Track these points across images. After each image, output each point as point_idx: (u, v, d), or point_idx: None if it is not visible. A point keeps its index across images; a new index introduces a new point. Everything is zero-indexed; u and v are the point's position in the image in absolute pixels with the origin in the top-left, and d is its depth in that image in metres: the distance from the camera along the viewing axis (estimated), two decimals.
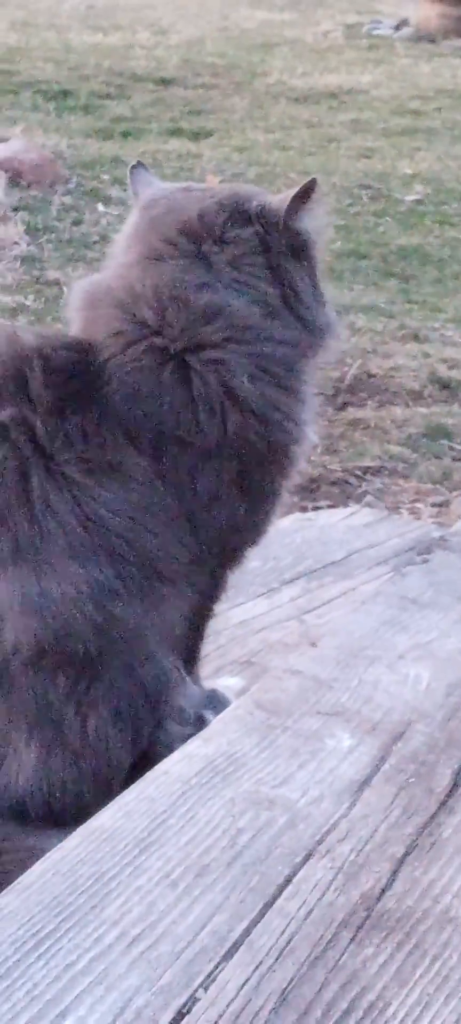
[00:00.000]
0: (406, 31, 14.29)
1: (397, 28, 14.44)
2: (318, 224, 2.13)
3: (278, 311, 2.07)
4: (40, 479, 1.93)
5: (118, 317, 2.05)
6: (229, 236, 2.07)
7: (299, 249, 2.11)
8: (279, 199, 2.11)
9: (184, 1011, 1.31)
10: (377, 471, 4.81)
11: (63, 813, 1.93)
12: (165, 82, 11.49)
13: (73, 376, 2.00)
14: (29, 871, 1.52)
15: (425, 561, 2.42)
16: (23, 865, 1.56)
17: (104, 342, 2.03)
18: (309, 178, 2.12)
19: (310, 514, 3.35)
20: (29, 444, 1.94)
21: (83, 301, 2.13)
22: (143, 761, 1.92)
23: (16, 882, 1.49)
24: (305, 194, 2.10)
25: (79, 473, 1.94)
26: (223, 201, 2.10)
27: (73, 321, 2.12)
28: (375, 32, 14.38)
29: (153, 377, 1.99)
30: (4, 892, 1.48)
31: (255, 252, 2.07)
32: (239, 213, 2.09)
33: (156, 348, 2.01)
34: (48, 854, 1.55)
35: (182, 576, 2.03)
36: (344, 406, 5.26)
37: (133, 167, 2.27)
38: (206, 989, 1.35)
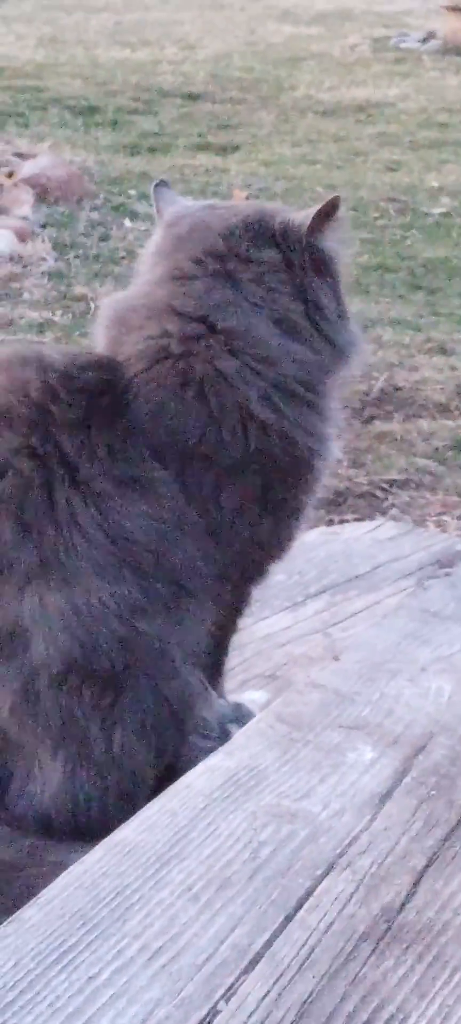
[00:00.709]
0: (433, 44, 14.30)
1: (424, 41, 14.45)
2: (341, 241, 2.14)
3: (301, 328, 2.08)
4: (66, 494, 1.94)
5: (144, 336, 2.06)
6: (253, 255, 2.08)
7: (322, 266, 2.11)
8: (302, 216, 2.11)
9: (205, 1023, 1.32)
10: (404, 484, 4.81)
11: (88, 827, 1.93)
12: (192, 97, 11.52)
13: (99, 394, 2.01)
14: (52, 884, 1.53)
15: (447, 574, 2.43)
16: (48, 879, 1.57)
17: (130, 360, 2.04)
18: (333, 195, 2.12)
19: (335, 528, 3.36)
20: (56, 460, 1.95)
21: (109, 319, 2.14)
22: (168, 775, 1.93)
23: (39, 895, 1.50)
24: (328, 211, 2.10)
25: (105, 488, 1.95)
26: (247, 220, 2.11)
27: (100, 338, 2.14)
28: (402, 45, 14.39)
29: (177, 396, 2.01)
30: (27, 905, 1.49)
31: (278, 270, 2.08)
32: (262, 231, 2.10)
33: (179, 368, 2.02)
34: (70, 868, 1.56)
35: (207, 591, 2.04)
36: (370, 419, 5.27)
37: (156, 185, 2.29)
38: (227, 1001, 1.35)
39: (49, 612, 1.91)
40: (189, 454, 2.00)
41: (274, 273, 2.08)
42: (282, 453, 2.04)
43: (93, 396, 2.01)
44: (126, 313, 2.12)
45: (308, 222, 2.10)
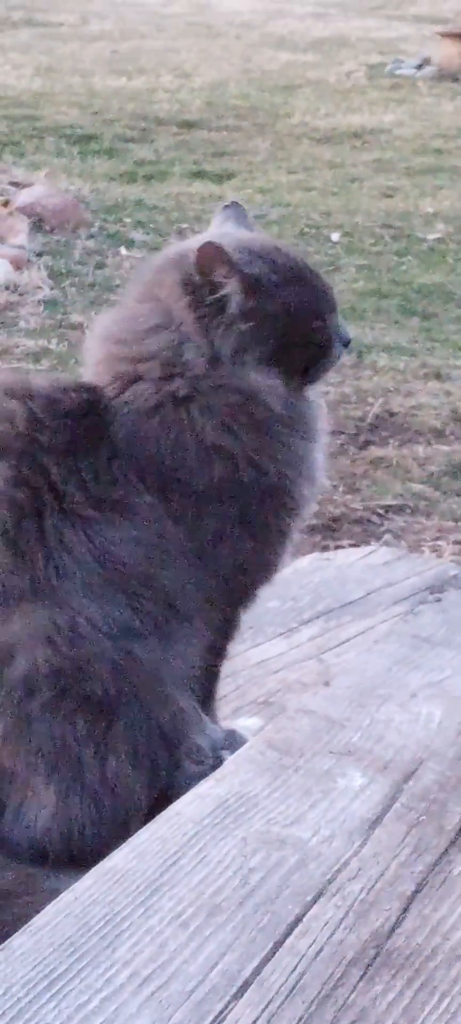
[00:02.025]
0: (428, 70, 14.34)
1: (419, 67, 14.49)
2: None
3: (224, 361, 2.06)
4: (55, 520, 1.95)
5: (116, 358, 2.08)
6: (191, 286, 2.06)
7: (222, 305, 2.08)
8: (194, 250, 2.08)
9: None
10: (399, 509, 4.82)
11: (81, 854, 1.93)
12: (188, 125, 11.56)
13: (82, 416, 2.03)
14: (42, 912, 1.53)
15: (438, 600, 2.43)
16: (42, 906, 1.57)
17: (107, 383, 2.06)
18: (207, 242, 2.06)
19: (328, 554, 3.36)
20: (44, 485, 1.97)
21: (93, 340, 2.16)
22: (161, 801, 1.93)
23: (29, 923, 1.51)
24: (204, 257, 2.05)
25: (92, 512, 1.97)
26: (200, 246, 2.08)
27: (86, 361, 2.16)
28: (397, 72, 14.43)
29: (148, 421, 2.02)
30: (17, 934, 1.50)
31: (195, 304, 2.06)
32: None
33: (147, 394, 2.04)
34: (61, 895, 1.56)
35: (197, 613, 2.05)
36: (366, 445, 5.28)
37: (226, 206, 2.29)
38: None
39: (40, 636, 1.92)
40: (167, 478, 2.01)
41: (201, 307, 2.06)
42: (252, 480, 2.04)
43: (76, 418, 2.02)
44: (105, 334, 2.14)
45: (194, 259, 2.08)
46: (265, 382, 2.05)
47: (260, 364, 2.05)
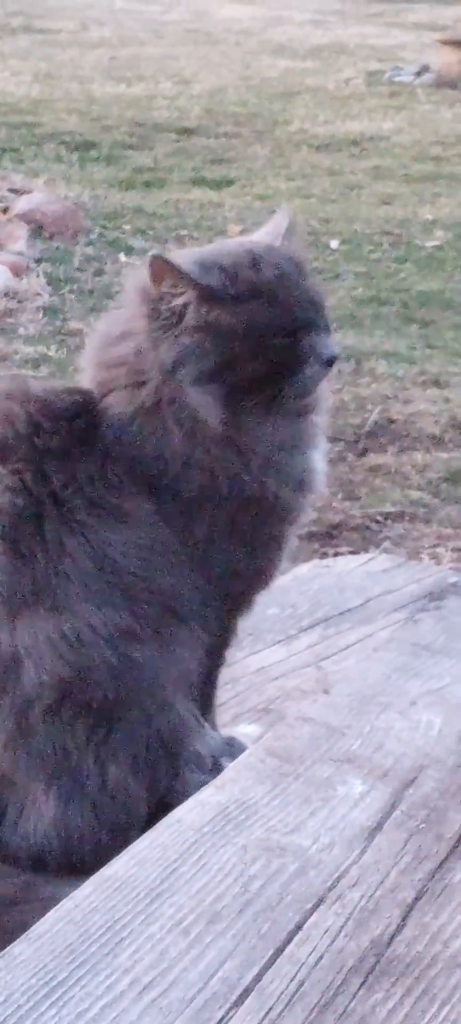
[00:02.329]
0: (427, 77, 14.36)
1: (418, 75, 14.50)
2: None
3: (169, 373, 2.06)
4: (54, 524, 1.96)
5: (97, 363, 2.10)
6: (148, 297, 2.06)
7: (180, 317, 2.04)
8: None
9: None
10: (398, 516, 4.83)
11: (81, 862, 1.93)
12: (187, 132, 11.57)
13: (75, 417, 2.04)
14: (42, 920, 1.53)
15: (438, 607, 2.43)
16: (41, 914, 1.57)
17: (93, 387, 2.07)
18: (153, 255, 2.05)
19: (327, 561, 3.36)
20: (44, 490, 1.97)
21: (88, 344, 2.17)
22: (161, 809, 1.93)
23: (29, 931, 1.51)
24: (154, 270, 2.03)
25: (89, 516, 1.97)
26: (149, 259, 2.08)
27: (82, 366, 2.16)
28: (396, 79, 14.44)
29: (129, 426, 2.03)
30: (17, 941, 1.50)
31: (152, 315, 2.06)
32: None
33: (129, 400, 2.04)
34: (61, 903, 1.56)
35: (195, 617, 2.05)
36: (364, 452, 5.28)
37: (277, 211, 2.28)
38: None
39: (41, 640, 1.92)
40: (155, 483, 2.01)
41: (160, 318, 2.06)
42: (230, 489, 2.03)
43: (69, 420, 2.03)
44: (96, 339, 2.15)
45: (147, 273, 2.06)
46: (197, 398, 2.00)
47: (199, 379, 2.00)
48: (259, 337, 2.01)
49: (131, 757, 1.97)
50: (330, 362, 2.07)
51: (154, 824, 1.76)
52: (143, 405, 2.02)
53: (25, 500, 1.96)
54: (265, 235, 2.17)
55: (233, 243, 2.18)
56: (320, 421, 2.17)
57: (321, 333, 2.06)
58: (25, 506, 1.96)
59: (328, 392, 2.20)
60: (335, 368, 2.12)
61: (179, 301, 2.00)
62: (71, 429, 2.02)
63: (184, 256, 2.10)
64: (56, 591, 1.94)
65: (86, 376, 2.11)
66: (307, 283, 2.09)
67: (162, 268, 2.01)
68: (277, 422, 2.03)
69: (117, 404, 2.03)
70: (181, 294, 2.00)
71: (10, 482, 1.97)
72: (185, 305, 2.00)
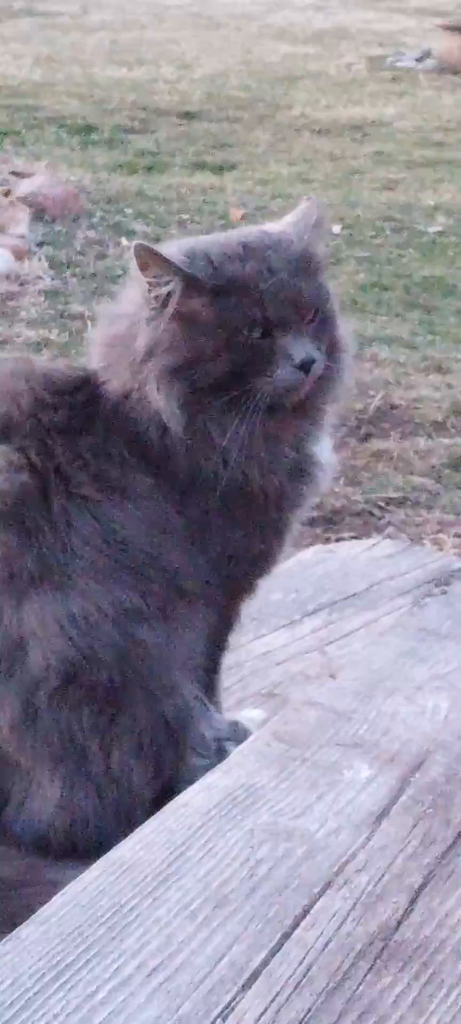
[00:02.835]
0: (429, 63, 14.34)
1: (420, 60, 14.48)
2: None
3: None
4: (61, 500, 1.96)
5: (101, 340, 2.12)
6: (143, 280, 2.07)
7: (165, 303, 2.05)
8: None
9: None
10: (400, 502, 4.82)
11: (85, 846, 1.94)
12: (189, 116, 11.55)
13: (76, 390, 2.06)
14: (49, 903, 1.53)
15: (443, 592, 2.43)
16: (46, 897, 1.57)
17: (99, 364, 2.08)
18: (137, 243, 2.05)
19: (331, 546, 3.36)
20: (50, 467, 1.98)
21: (97, 326, 2.18)
22: (166, 793, 1.93)
23: (36, 914, 1.51)
24: (137, 258, 2.03)
25: (94, 492, 1.97)
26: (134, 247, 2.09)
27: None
28: (398, 64, 14.42)
29: (125, 402, 2.03)
30: (25, 924, 1.50)
31: (144, 299, 2.05)
32: None
33: (118, 374, 2.05)
34: (68, 886, 1.56)
35: (200, 596, 2.05)
36: (367, 437, 5.28)
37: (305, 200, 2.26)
38: (224, 1019, 1.36)
39: (48, 621, 1.92)
40: (152, 459, 2.01)
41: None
42: (218, 473, 2.03)
43: (71, 393, 2.05)
44: (101, 322, 2.18)
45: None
46: (161, 395, 2.00)
47: (164, 372, 2.00)
48: (231, 332, 1.99)
49: (136, 741, 1.97)
50: (304, 366, 2.02)
51: (159, 809, 1.76)
52: (128, 385, 2.02)
53: (30, 476, 1.96)
54: (288, 224, 2.15)
55: (236, 233, 2.16)
56: (326, 412, 2.15)
57: (298, 334, 2.02)
58: (30, 482, 1.96)
59: (343, 383, 2.18)
60: (315, 372, 2.03)
61: (164, 289, 2.00)
62: (74, 403, 2.04)
63: (179, 244, 2.11)
64: (63, 569, 1.94)
65: (93, 353, 2.11)
66: (295, 281, 2.04)
67: (147, 256, 2.02)
68: (247, 419, 2.00)
69: (114, 379, 2.04)
70: (167, 282, 2.00)
71: (15, 459, 1.97)
72: (169, 294, 2.00)
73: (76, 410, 2.03)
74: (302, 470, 2.10)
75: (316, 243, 2.13)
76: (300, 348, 2.01)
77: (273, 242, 2.08)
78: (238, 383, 1.99)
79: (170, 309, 1.99)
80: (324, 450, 2.14)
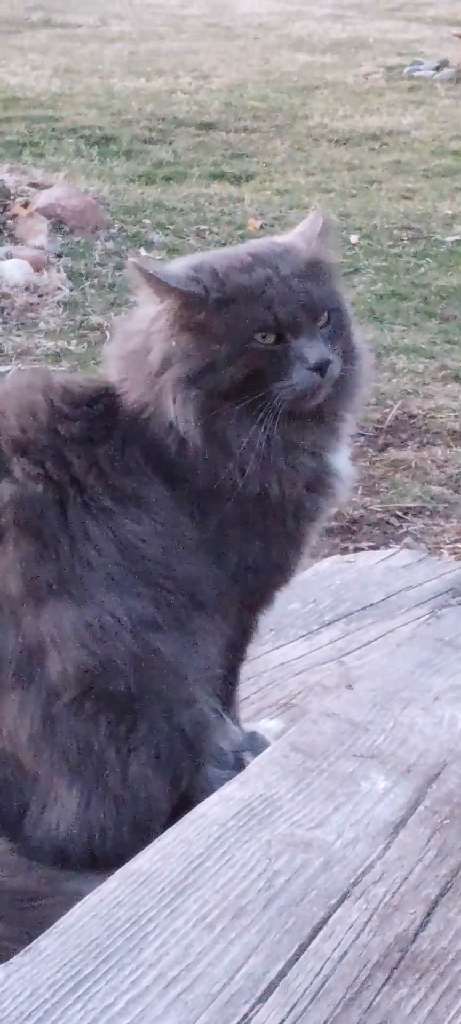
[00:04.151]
0: (447, 72, 14.30)
1: (438, 69, 14.45)
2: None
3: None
4: (78, 511, 1.98)
5: (121, 355, 2.14)
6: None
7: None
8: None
9: None
10: (418, 512, 4.82)
11: (103, 857, 1.94)
12: (207, 126, 11.55)
13: (95, 401, 2.08)
14: (68, 914, 1.54)
15: (460, 603, 2.43)
16: (64, 908, 1.58)
17: (116, 377, 2.10)
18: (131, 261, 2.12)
19: (349, 556, 3.36)
20: (67, 478, 1.99)
21: (113, 340, 2.20)
22: (183, 805, 1.93)
23: (54, 925, 1.52)
24: (132, 276, 2.11)
25: (111, 502, 1.99)
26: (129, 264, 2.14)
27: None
28: (416, 74, 14.40)
29: (141, 414, 2.05)
30: (43, 935, 1.50)
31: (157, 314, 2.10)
32: None
33: (134, 387, 2.08)
34: (86, 897, 1.57)
35: (216, 607, 2.05)
36: (385, 447, 5.28)
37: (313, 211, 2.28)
38: None
39: (65, 630, 1.93)
40: (169, 471, 2.03)
41: None
42: (234, 485, 2.04)
43: (90, 404, 2.07)
44: (116, 335, 2.21)
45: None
46: (177, 405, 2.02)
47: (180, 382, 2.02)
48: (244, 339, 2.01)
49: (153, 753, 1.98)
50: (319, 368, 2.03)
51: (176, 820, 1.77)
52: (145, 398, 2.04)
53: (47, 487, 1.98)
54: (297, 236, 2.17)
55: (244, 245, 2.19)
56: (345, 421, 2.15)
57: (311, 337, 2.04)
58: (48, 493, 1.97)
59: (361, 391, 2.18)
60: (332, 374, 2.05)
61: (163, 306, 2.02)
62: (91, 415, 2.06)
63: (190, 259, 2.14)
64: (80, 579, 1.95)
65: (109, 368, 2.13)
66: (305, 286, 2.05)
67: (140, 275, 2.05)
68: (265, 426, 2.01)
69: (131, 392, 2.05)
70: (165, 300, 2.02)
71: (31, 471, 1.99)
72: (170, 310, 2.02)
73: (93, 421, 2.05)
74: (320, 481, 2.11)
75: (325, 250, 2.15)
76: (314, 350, 2.03)
77: (281, 250, 2.11)
78: (255, 389, 2.00)
79: (176, 324, 2.03)
80: (342, 461, 2.15)
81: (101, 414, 2.06)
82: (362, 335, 2.20)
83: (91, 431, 2.04)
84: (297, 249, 2.12)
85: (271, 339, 2.02)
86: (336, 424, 2.13)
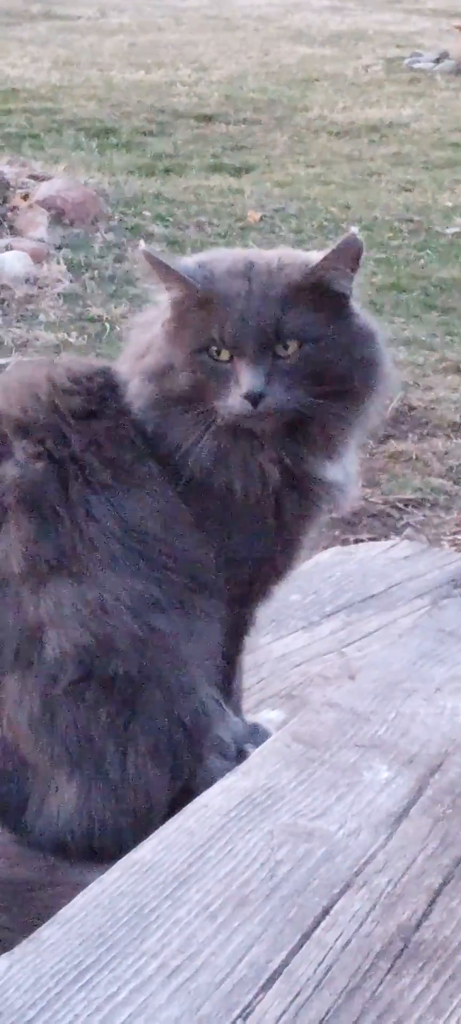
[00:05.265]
0: (447, 64, 14.30)
1: (437, 61, 14.44)
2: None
3: None
4: (78, 488, 1.98)
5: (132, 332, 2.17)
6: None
7: None
8: None
9: None
10: (418, 503, 4.82)
11: (103, 848, 1.94)
12: (207, 118, 11.54)
13: (93, 376, 2.10)
14: (70, 904, 1.54)
15: None
16: (66, 898, 1.58)
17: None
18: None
19: (350, 547, 3.37)
20: (65, 455, 1.99)
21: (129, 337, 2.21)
22: (184, 796, 1.93)
23: (58, 915, 1.52)
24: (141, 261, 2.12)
25: (109, 478, 1.99)
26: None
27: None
28: (415, 65, 14.39)
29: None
30: (46, 924, 1.50)
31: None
32: None
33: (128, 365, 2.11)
34: (89, 887, 1.57)
35: (215, 589, 2.05)
36: (385, 439, 5.27)
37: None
38: (245, 1020, 1.37)
39: (65, 609, 1.93)
40: (161, 453, 2.04)
41: None
42: (197, 479, 2.04)
43: (89, 378, 2.09)
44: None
45: None
46: (136, 393, 2.05)
47: (145, 372, 2.05)
48: (196, 349, 2.00)
49: (153, 743, 1.98)
50: (250, 398, 1.96)
51: (177, 811, 1.77)
52: (127, 376, 2.08)
53: (48, 465, 1.98)
54: (319, 255, 2.05)
55: (254, 252, 2.16)
56: (335, 441, 2.09)
57: (255, 364, 1.97)
58: (48, 471, 1.98)
59: (356, 424, 2.10)
60: (262, 407, 1.96)
61: (165, 296, 2.05)
62: (90, 388, 2.08)
63: (202, 256, 2.14)
64: (81, 557, 1.95)
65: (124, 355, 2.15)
66: (271, 310, 1.98)
67: (150, 263, 2.05)
68: (205, 435, 2.01)
69: (122, 366, 2.10)
70: (168, 287, 2.03)
71: (33, 450, 2.00)
72: (172, 298, 2.03)
73: (92, 394, 2.07)
74: (301, 488, 2.08)
75: (332, 277, 2.04)
76: (249, 379, 1.97)
77: (272, 267, 2.04)
78: (199, 401, 2.00)
79: (168, 316, 2.05)
80: (333, 471, 2.10)
81: (98, 387, 2.07)
82: (381, 370, 2.10)
83: (88, 404, 2.05)
84: (291, 269, 2.04)
85: (225, 355, 1.99)
86: (324, 441, 2.06)
